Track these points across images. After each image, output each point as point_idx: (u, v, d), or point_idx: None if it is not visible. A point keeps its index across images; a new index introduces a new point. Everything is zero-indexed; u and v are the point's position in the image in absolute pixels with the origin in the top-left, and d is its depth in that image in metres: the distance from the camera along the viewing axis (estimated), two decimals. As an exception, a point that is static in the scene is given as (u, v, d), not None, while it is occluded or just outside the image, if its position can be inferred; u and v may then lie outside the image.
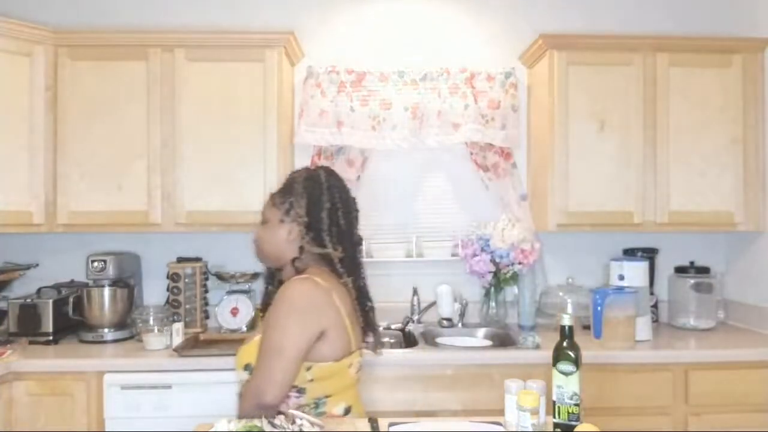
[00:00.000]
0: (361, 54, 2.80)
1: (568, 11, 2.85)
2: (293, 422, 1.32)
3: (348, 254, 1.51)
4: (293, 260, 1.48)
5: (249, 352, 1.43)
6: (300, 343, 1.36)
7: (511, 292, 2.76)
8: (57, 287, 2.51)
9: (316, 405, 1.43)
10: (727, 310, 2.77)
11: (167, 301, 2.62)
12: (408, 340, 2.55)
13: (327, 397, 1.44)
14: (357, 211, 1.59)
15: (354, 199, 1.59)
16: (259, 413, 1.30)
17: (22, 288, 2.62)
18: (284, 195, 1.52)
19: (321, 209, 1.47)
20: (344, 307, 1.46)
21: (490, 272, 2.60)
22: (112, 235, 2.68)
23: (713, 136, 2.53)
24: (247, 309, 2.58)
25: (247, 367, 1.42)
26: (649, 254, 2.73)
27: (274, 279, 1.62)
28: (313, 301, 1.39)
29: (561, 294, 2.68)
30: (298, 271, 1.45)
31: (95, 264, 2.47)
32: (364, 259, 1.66)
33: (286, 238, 1.49)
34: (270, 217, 1.54)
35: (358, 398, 1.58)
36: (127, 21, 2.77)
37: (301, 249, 1.47)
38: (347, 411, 1.49)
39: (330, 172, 1.56)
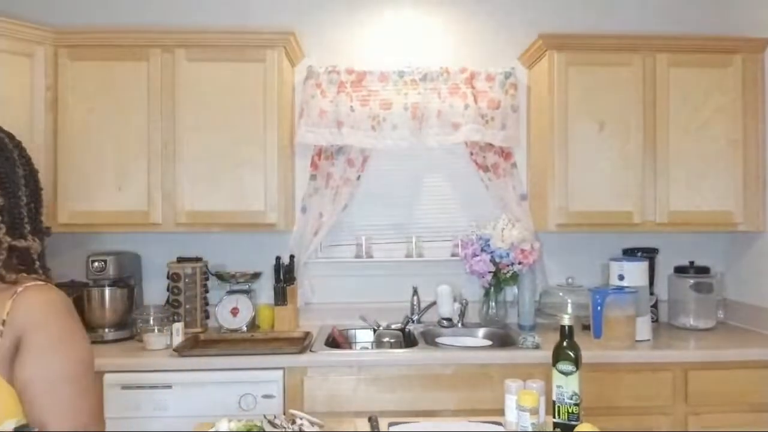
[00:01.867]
0: (361, 54, 2.80)
1: (567, 11, 2.86)
2: (293, 422, 1.32)
3: (42, 249, 1.11)
4: None
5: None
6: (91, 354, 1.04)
7: (511, 292, 2.76)
8: (57, 287, 2.51)
9: None
10: (726, 310, 2.77)
11: (167, 301, 2.62)
12: (408, 340, 2.55)
13: None
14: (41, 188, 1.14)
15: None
16: None
17: (23, 288, 2.61)
18: None
19: (17, 185, 1.07)
20: None
21: (489, 272, 2.61)
22: (113, 235, 2.68)
23: (713, 136, 2.53)
24: (247, 309, 2.58)
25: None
26: (649, 254, 2.73)
27: None
28: (69, 305, 1.04)
29: (561, 294, 2.68)
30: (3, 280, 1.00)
31: (95, 264, 2.48)
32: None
33: None
34: None
35: None
36: (128, 21, 2.77)
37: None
38: None
39: (9, 134, 1.13)
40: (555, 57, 2.51)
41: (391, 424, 1.49)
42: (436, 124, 2.68)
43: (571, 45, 2.52)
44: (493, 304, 2.69)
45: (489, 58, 2.81)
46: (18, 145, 1.12)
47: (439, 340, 2.52)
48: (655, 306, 2.70)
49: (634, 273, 2.41)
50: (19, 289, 0.98)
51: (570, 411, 1.39)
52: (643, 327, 2.37)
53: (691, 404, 2.22)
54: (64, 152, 2.43)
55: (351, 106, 2.67)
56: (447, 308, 2.67)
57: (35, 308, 0.98)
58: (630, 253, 2.75)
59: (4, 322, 0.95)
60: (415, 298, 2.73)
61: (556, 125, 2.50)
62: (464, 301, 2.71)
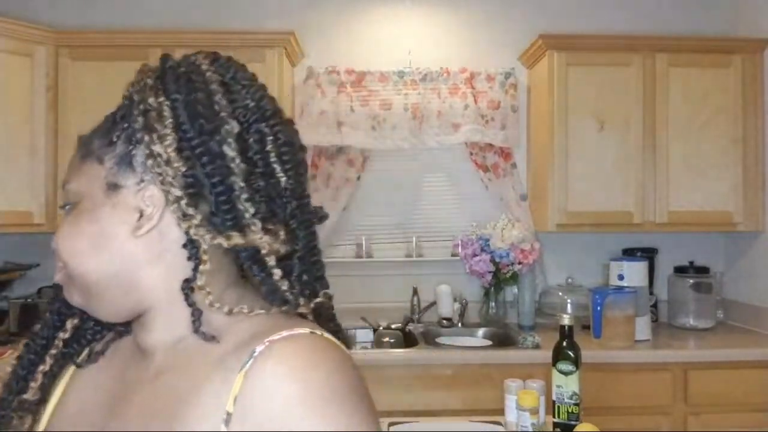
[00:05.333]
0: (361, 54, 2.80)
1: (567, 11, 2.86)
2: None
3: (305, 241, 0.63)
4: (188, 287, 0.57)
5: None
6: None
7: (510, 292, 2.76)
8: (58, 287, 2.51)
9: None
10: (726, 310, 2.77)
11: (168, 301, 2.61)
12: (408, 340, 2.55)
13: None
14: (302, 147, 0.65)
15: (290, 121, 0.65)
16: None
17: (23, 288, 2.62)
18: (113, 127, 0.61)
19: (220, 144, 0.58)
20: None
21: (489, 272, 2.61)
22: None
23: (713, 136, 2.54)
24: (247, 309, 2.57)
25: None
26: (649, 254, 2.73)
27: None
28: (360, 380, 0.58)
29: (561, 294, 2.68)
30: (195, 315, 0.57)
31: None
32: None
33: (134, 230, 0.58)
34: (83, 189, 0.60)
35: None
36: (128, 21, 2.77)
37: (196, 251, 0.57)
38: None
39: (217, 59, 0.65)
40: (555, 57, 2.51)
41: (391, 424, 1.49)
42: (436, 124, 2.68)
43: (571, 45, 2.52)
44: (493, 304, 2.69)
45: (489, 58, 2.81)
46: (225, 66, 0.63)
47: (439, 340, 2.52)
48: (654, 306, 2.70)
49: (634, 273, 2.41)
50: (259, 347, 0.53)
51: (570, 411, 1.39)
52: (643, 327, 2.37)
53: (691, 404, 2.22)
54: (64, 153, 2.43)
55: (351, 107, 2.67)
56: (447, 308, 2.67)
57: (286, 397, 0.50)
58: (630, 253, 2.75)
59: (228, 416, 0.51)
60: (415, 298, 2.73)
61: (556, 125, 2.51)
62: (464, 301, 2.71)
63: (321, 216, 0.65)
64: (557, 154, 2.51)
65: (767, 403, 2.23)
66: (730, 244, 2.82)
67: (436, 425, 1.53)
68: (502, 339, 2.56)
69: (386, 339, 2.61)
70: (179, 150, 0.56)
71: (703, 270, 2.67)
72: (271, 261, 0.58)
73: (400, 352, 2.30)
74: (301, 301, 0.60)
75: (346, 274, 2.83)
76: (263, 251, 0.58)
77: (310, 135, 2.65)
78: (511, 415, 1.45)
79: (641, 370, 2.22)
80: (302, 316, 0.61)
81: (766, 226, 2.56)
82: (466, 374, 2.19)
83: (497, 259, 2.59)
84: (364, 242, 2.79)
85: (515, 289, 2.72)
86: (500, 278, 2.64)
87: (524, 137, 2.83)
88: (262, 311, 0.58)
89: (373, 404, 0.56)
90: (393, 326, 2.65)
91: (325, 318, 0.64)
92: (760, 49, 2.55)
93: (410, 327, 2.64)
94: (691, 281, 2.63)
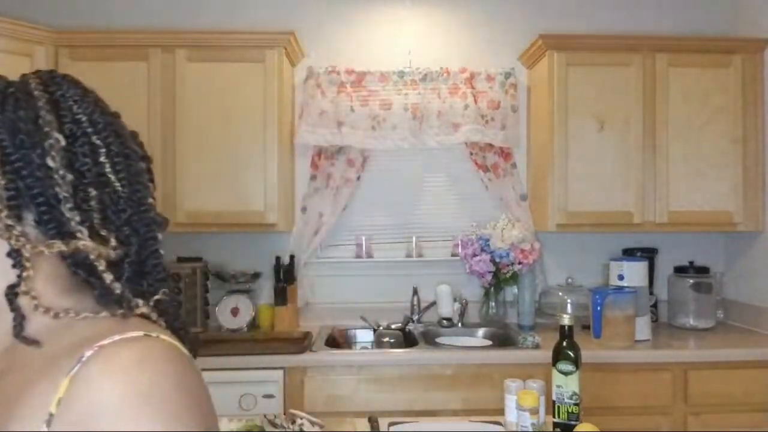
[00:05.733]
0: (361, 54, 2.80)
1: (567, 11, 2.86)
2: (293, 422, 1.33)
3: (137, 247, 0.65)
4: (12, 293, 0.59)
5: None
6: None
7: (510, 292, 2.76)
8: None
9: None
10: (726, 310, 2.78)
11: (167, 301, 2.61)
12: (408, 340, 2.55)
13: None
14: (145, 157, 0.72)
15: (133, 134, 0.75)
16: None
17: None
18: None
19: (42, 157, 0.60)
20: None
21: (489, 272, 2.61)
22: (113, 235, 2.68)
23: (712, 136, 2.54)
24: (247, 309, 2.58)
25: None
26: (649, 254, 2.73)
27: None
28: (193, 382, 0.57)
29: (561, 294, 2.69)
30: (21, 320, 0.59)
31: (96, 264, 2.47)
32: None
33: None
34: None
35: None
36: (128, 21, 2.77)
37: (20, 259, 0.59)
38: None
39: (52, 77, 0.68)
40: (555, 57, 2.51)
41: (391, 424, 1.49)
42: (436, 124, 2.68)
43: (571, 45, 2.52)
44: (493, 304, 2.69)
45: (489, 58, 2.81)
46: (56, 82, 0.67)
47: (439, 340, 2.52)
48: (654, 306, 2.70)
49: (634, 273, 2.41)
50: (88, 352, 0.54)
51: (570, 411, 1.39)
52: (643, 327, 2.37)
53: (691, 404, 2.22)
54: (64, 152, 2.43)
55: (351, 107, 2.67)
56: (447, 308, 2.68)
57: (107, 397, 0.51)
58: (630, 253, 2.75)
59: (50, 418, 0.52)
60: (415, 298, 2.73)
61: (556, 125, 2.51)
62: (464, 301, 2.71)
63: (159, 222, 0.68)
64: (557, 154, 2.51)
65: (767, 403, 2.23)
66: (730, 244, 2.82)
67: (436, 425, 1.53)
68: (502, 339, 2.56)
69: (386, 339, 2.62)
70: (1, 164, 0.59)
71: (703, 270, 2.67)
72: (101, 266, 0.61)
73: (400, 352, 2.30)
74: (139, 303, 0.62)
75: (346, 274, 2.83)
76: (92, 257, 0.60)
77: (310, 135, 2.65)
78: (511, 415, 1.46)
79: (641, 370, 2.22)
80: (146, 317, 0.62)
81: (766, 226, 2.56)
82: (466, 374, 2.19)
83: (497, 259, 2.59)
84: (364, 242, 2.79)
85: (515, 289, 2.72)
86: (500, 278, 2.64)
87: (524, 137, 2.83)
88: (91, 315, 0.60)
89: (209, 409, 0.57)
90: (393, 326, 2.65)
91: (172, 316, 0.66)
92: (760, 49, 2.55)
93: (410, 327, 2.64)
94: (691, 281, 2.64)
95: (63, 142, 0.61)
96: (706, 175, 2.54)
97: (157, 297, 0.64)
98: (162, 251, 0.67)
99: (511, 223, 2.64)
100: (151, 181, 0.70)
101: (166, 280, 0.67)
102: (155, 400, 0.52)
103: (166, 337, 0.58)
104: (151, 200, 0.68)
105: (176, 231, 2.49)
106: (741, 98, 2.53)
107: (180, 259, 2.65)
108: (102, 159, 0.63)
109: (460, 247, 2.72)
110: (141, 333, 0.56)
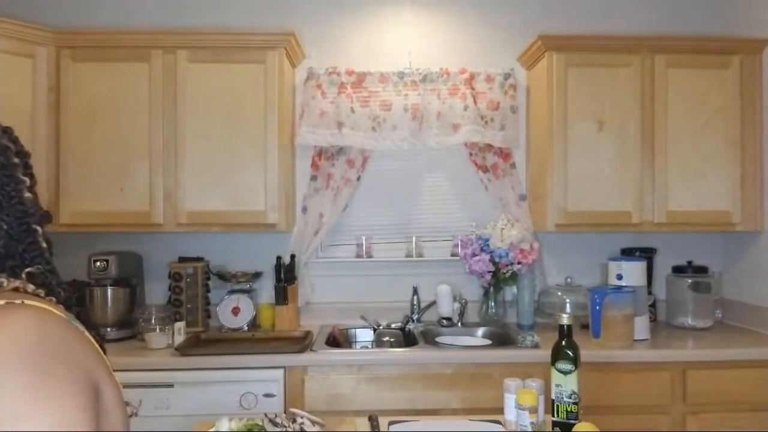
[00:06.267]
0: (362, 55, 2.82)
1: (566, 12, 2.87)
2: (294, 421, 1.34)
3: (6, 239, 0.73)
4: None
5: None
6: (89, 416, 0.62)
7: (510, 291, 2.78)
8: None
9: None
10: (724, 310, 2.79)
11: (169, 301, 2.63)
12: (408, 340, 2.57)
13: None
14: (21, 152, 0.83)
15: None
16: None
17: (25, 288, 2.62)
18: None
19: None
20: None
21: (489, 272, 2.62)
22: (114, 235, 2.69)
23: (711, 136, 2.55)
24: (248, 308, 2.59)
25: None
26: (648, 254, 2.74)
27: None
28: (61, 340, 0.64)
29: (560, 293, 2.70)
30: None
31: (97, 263, 2.49)
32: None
33: None
34: None
35: None
36: (129, 22, 2.78)
37: None
38: None
39: None
40: (554, 58, 2.52)
41: (391, 423, 1.50)
42: (435, 125, 2.69)
43: (571, 46, 2.53)
44: (493, 303, 2.70)
45: (488, 59, 2.82)
46: None
47: (438, 339, 2.53)
48: (653, 305, 2.71)
49: (633, 273, 2.42)
50: None
51: (569, 410, 1.40)
52: (642, 326, 2.38)
53: (689, 403, 2.23)
54: (66, 153, 2.44)
55: (351, 107, 2.68)
56: (447, 308, 2.69)
57: None
58: (628, 253, 2.76)
59: None
60: (415, 297, 2.74)
61: (555, 126, 2.52)
62: (464, 300, 2.73)
63: (32, 214, 0.76)
64: (556, 155, 2.52)
65: (766, 403, 2.23)
66: (729, 243, 2.83)
67: (436, 424, 1.54)
68: (502, 338, 2.57)
69: (386, 339, 2.63)
70: None
71: (702, 270, 2.68)
72: None
73: (400, 351, 2.31)
74: (9, 280, 0.69)
75: (347, 273, 2.84)
76: None
77: (310, 136, 2.66)
78: (510, 414, 1.47)
79: (640, 369, 2.23)
80: (21, 290, 0.69)
81: (765, 226, 2.57)
82: (466, 373, 2.20)
83: (497, 259, 2.60)
84: (364, 242, 2.80)
85: (514, 289, 2.73)
86: (500, 278, 2.65)
87: (523, 138, 2.84)
88: None
89: (74, 368, 0.62)
90: (393, 326, 2.66)
91: (54, 285, 0.76)
92: (759, 49, 2.56)
93: (410, 327, 2.65)
94: (690, 281, 2.65)
95: None
96: (705, 175, 2.55)
97: (28, 270, 0.73)
98: (40, 240, 0.76)
99: (510, 223, 2.65)
100: (28, 175, 0.78)
101: (41, 256, 0.76)
102: (5, 361, 0.57)
103: (34, 302, 0.65)
104: (27, 194, 0.75)
105: (177, 231, 2.50)
106: (739, 99, 2.54)
107: (181, 259, 2.66)
108: None
109: (459, 247, 2.73)
110: (2, 301, 0.63)
